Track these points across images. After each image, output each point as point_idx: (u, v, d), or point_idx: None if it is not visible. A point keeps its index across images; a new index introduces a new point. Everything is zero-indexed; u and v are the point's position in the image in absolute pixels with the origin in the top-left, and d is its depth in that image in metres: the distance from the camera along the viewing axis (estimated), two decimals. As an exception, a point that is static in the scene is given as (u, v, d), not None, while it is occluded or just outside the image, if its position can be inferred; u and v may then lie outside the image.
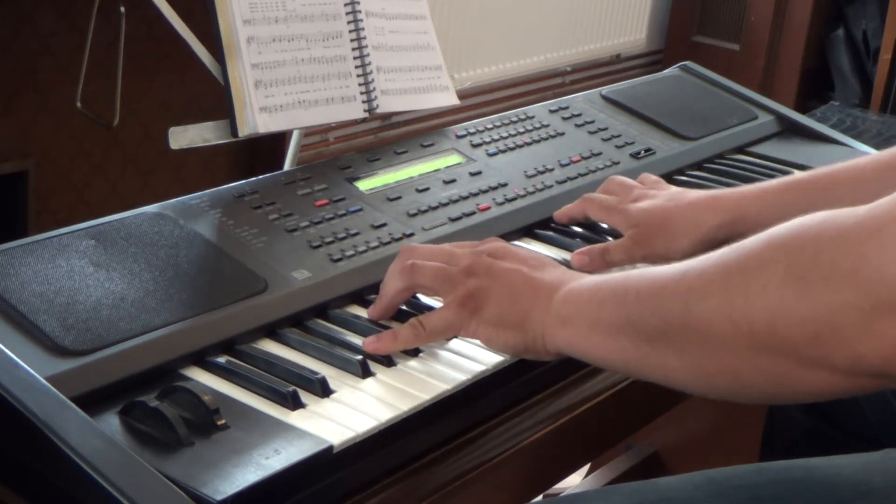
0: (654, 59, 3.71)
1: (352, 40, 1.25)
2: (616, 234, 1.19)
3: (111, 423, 0.80)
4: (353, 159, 1.21)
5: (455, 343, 0.97)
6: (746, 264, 0.79)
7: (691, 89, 1.65)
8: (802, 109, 2.64)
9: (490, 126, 1.36)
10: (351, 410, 0.86)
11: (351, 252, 1.06)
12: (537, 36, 3.19)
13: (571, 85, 3.38)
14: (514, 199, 1.23)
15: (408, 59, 1.31)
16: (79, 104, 1.38)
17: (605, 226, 1.22)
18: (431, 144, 1.29)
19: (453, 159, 1.27)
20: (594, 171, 1.34)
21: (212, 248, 1.01)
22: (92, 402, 0.81)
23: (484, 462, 0.92)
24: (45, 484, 0.76)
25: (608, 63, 3.54)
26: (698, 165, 1.46)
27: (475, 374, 0.93)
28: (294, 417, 0.84)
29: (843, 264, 0.72)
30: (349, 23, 1.25)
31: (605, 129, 1.45)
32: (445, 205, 1.18)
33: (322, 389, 0.88)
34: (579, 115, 1.46)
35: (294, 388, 0.86)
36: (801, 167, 1.49)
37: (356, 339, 0.96)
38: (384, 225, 1.12)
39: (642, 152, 1.42)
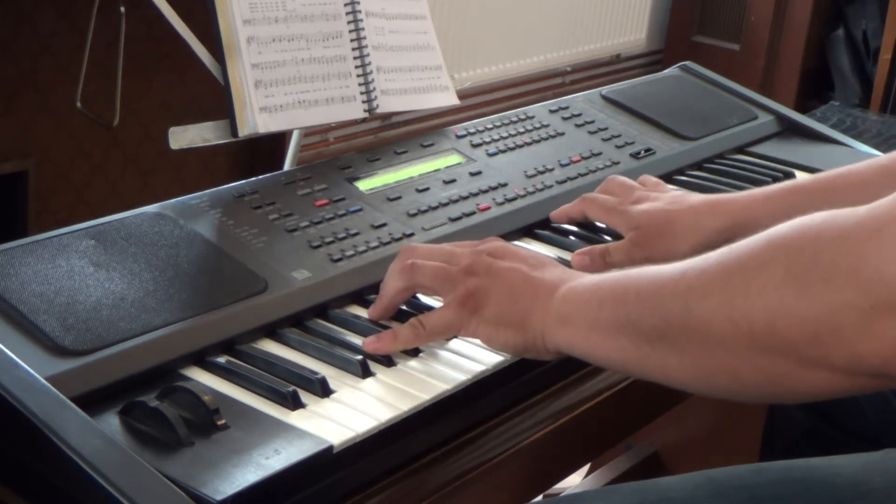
0: (654, 59, 3.71)
1: (352, 40, 1.25)
2: (616, 235, 1.19)
3: (111, 423, 0.80)
4: (353, 159, 1.21)
5: (455, 343, 0.97)
6: (746, 264, 0.79)
7: (691, 89, 1.65)
8: (802, 109, 2.64)
9: (490, 126, 1.36)
10: (351, 410, 0.86)
11: (351, 252, 1.06)
12: (537, 36, 3.19)
13: (571, 85, 3.38)
14: (514, 199, 1.23)
15: (408, 59, 1.31)
16: (79, 104, 1.38)
17: (602, 226, 1.22)
18: (431, 144, 1.29)
19: (453, 159, 1.27)
20: (594, 171, 1.34)
21: (212, 248, 1.01)
22: (92, 402, 0.81)
23: (484, 462, 0.92)
24: (45, 484, 0.76)
25: (608, 63, 3.54)
26: (698, 165, 1.47)
27: (475, 374, 0.94)
28: (294, 417, 0.84)
29: (842, 264, 0.72)
30: (349, 23, 1.25)
31: (605, 129, 1.45)
32: (445, 205, 1.18)
33: (322, 389, 0.88)
34: (579, 115, 1.46)
35: (294, 388, 0.86)
36: (801, 167, 1.50)
37: (356, 339, 0.96)
38: (384, 225, 1.12)
39: (642, 152, 1.42)
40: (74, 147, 1.52)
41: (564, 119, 1.44)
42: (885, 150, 1.65)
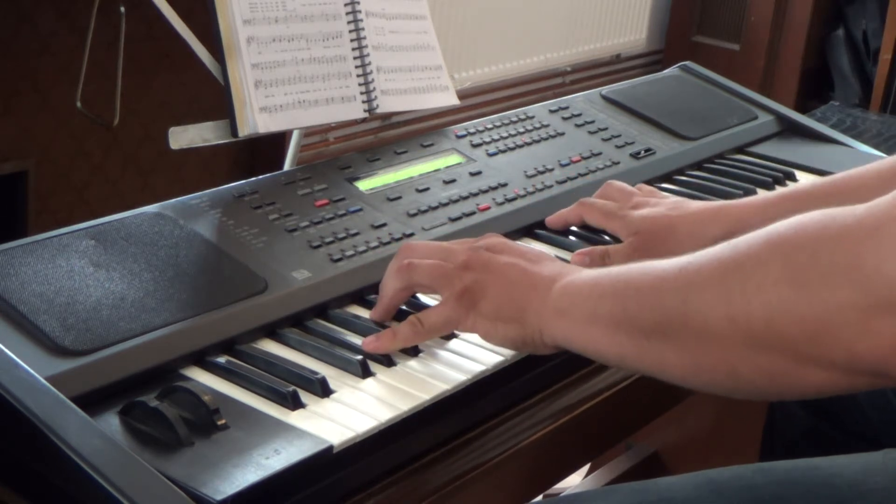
0: (654, 59, 3.71)
1: (352, 40, 1.25)
2: (616, 237, 1.19)
3: (111, 423, 0.80)
4: (353, 159, 1.21)
5: (455, 343, 0.97)
6: (744, 262, 0.79)
7: (691, 89, 1.65)
8: (802, 109, 2.64)
9: (490, 126, 1.36)
10: (351, 410, 0.86)
11: (351, 252, 1.06)
12: (537, 36, 3.19)
13: (571, 85, 3.38)
14: (514, 199, 1.23)
15: (408, 59, 1.31)
16: (79, 104, 1.38)
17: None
18: (431, 144, 1.29)
19: (453, 159, 1.27)
20: (594, 172, 1.34)
21: (212, 248, 1.01)
22: (92, 402, 0.81)
23: (484, 462, 0.92)
24: (45, 484, 0.76)
25: (608, 63, 3.54)
26: (698, 165, 1.47)
27: (475, 374, 0.94)
28: (294, 417, 0.84)
29: (841, 263, 0.72)
30: (349, 23, 1.25)
31: (605, 129, 1.45)
32: (445, 205, 1.18)
33: (322, 389, 0.88)
34: (579, 115, 1.46)
35: (294, 388, 0.86)
36: (801, 167, 1.50)
37: (356, 339, 0.96)
38: (384, 225, 1.12)
39: (642, 152, 1.42)
40: (74, 147, 1.52)
41: (564, 119, 1.44)
42: (885, 150, 1.66)
